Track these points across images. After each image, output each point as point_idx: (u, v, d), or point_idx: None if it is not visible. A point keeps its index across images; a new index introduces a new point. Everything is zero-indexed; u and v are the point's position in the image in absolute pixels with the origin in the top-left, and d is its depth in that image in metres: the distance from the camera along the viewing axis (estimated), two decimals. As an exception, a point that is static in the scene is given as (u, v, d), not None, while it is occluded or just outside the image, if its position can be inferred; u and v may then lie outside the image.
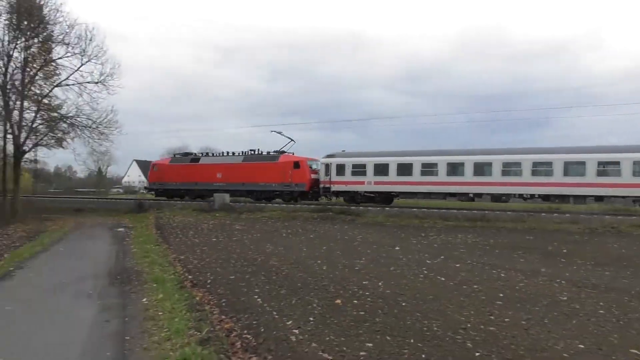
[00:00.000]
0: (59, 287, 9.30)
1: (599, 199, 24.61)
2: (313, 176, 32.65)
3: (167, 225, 22.75)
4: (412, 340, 5.80)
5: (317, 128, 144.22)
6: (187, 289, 8.66)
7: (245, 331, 6.24)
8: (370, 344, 5.67)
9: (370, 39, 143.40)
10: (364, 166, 30.99)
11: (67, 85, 28.67)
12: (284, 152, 35.19)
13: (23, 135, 27.91)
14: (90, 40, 27.56)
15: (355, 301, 7.71)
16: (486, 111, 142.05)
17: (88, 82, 28.26)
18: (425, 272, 10.40)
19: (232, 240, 16.53)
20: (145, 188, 42.63)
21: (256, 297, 8.14)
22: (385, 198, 31.23)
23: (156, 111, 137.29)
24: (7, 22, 26.68)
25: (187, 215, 27.61)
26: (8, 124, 27.60)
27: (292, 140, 36.50)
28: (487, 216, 20.96)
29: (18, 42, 27.20)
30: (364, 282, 9.18)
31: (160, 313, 7.08)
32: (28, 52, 27.57)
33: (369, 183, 30.75)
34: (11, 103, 27.58)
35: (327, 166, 32.12)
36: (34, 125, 28.45)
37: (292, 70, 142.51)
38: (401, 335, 6.01)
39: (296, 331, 6.17)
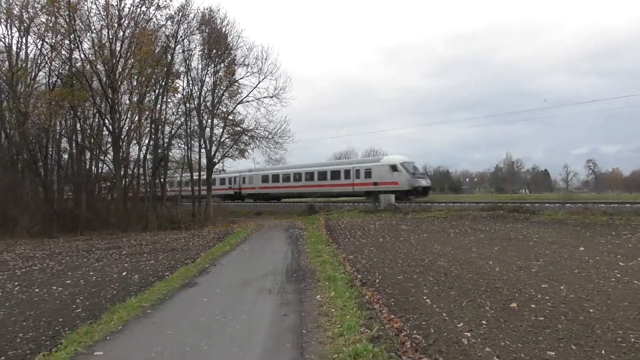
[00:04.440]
0: (244, 283, 10.28)
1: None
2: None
3: (336, 226, 23.70)
4: (602, 352, 5.17)
5: (490, 122, 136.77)
6: (357, 288, 8.91)
7: (415, 331, 6.20)
8: (552, 352, 5.20)
9: (547, 19, 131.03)
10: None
11: (247, 101, 31.90)
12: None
13: (213, 149, 31.76)
14: (266, 59, 30.35)
15: (532, 305, 7.13)
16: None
17: (264, 97, 31.04)
18: (618, 275, 9.18)
19: (399, 240, 16.55)
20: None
21: (425, 297, 8.02)
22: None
23: (324, 117, 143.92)
24: (200, 52, 30.76)
25: (354, 217, 28.43)
26: (202, 140, 31.71)
27: None
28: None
29: (209, 68, 31.17)
30: (542, 285, 8.44)
31: (332, 310, 7.40)
32: (216, 76, 31.32)
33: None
34: (204, 121, 31.61)
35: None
36: (222, 139, 32.20)
37: (459, 63, 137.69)
38: (589, 345, 5.39)
39: (468, 334, 5.93)
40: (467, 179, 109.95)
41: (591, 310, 6.73)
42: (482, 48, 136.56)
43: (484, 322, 6.43)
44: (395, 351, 5.37)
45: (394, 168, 34.63)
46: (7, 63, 27.02)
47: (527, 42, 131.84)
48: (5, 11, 25.82)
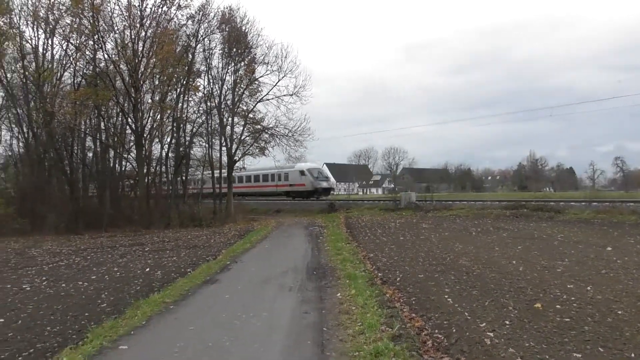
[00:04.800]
0: (265, 280, 10.33)
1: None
2: None
3: (356, 224, 23.66)
4: (632, 355, 5.04)
5: (512, 120, 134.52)
6: (378, 286, 8.88)
7: (436, 330, 6.15)
8: (578, 355, 5.10)
9: (569, 13, 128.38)
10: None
11: (267, 99, 32.02)
12: None
13: (234, 147, 32.00)
14: (285, 57, 30.43)
15: (558, 306, 7.00)
16: None
17: (284, 95, 31.13)
18: (648, 276, 8.96)
19: (420, 238, 16.44)
20: None
21: (446, 296, 7.95)
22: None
23: (343, 115, 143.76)
24: (220, 51, 31.03)
25: (374, 215, 28.35)
26: (222, 138, 31.99)
27: None
28: None
29: (229, 67, 31.42)
30: (568, 286, 8.28)
31: (353, 308, 7.38)
32: (236, 74, 31.56)
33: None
34: (224, 120, 31.88)
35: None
36: (242, 138, 32.39)
37: (479, 60, 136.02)
38: (618, 347, 5.26)
39: (491, 334, 5.86)
40: (489, 177, 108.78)
41: (619, 312, 6.57)
42: (502, 44, 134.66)
43: (507, 322, 6.34)
44: (417, 350, 5.34)
45: (302, 173, 42.03)
46: (34, 64, 27.58)
47: (548, 37, 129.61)
48: (32, 13, 26.36)
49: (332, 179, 53.11)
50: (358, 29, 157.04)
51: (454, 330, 6.09)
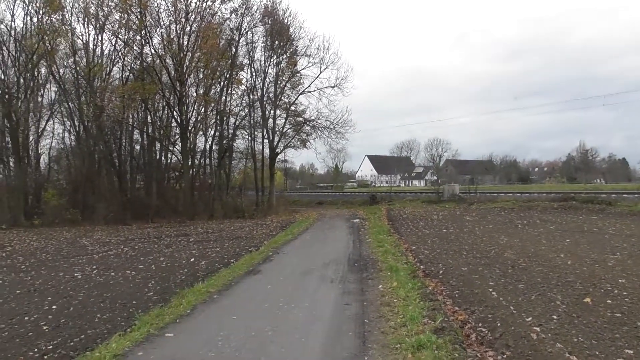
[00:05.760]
0: (307, 271, 10.40)
1: None
2: None
3: (398, 216, 23.48)
4: (688, 352, 4.81)
5: (563, 109, 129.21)
6: (420, 279, 8.79)
7: (480, 324, 6.03)
8: (630, 351, 4.89)
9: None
10: None
11: (309, 92, 32.18)
12: None
13: (276, 139, 32.33)
14: (327, 49, 30.53)
15: (609, 301, 6.74)
16: None
17: (326, 87, 31.22)
18: None
19: (463, 231, 16.16)
20: None
21: (491, 290, 7.78)
22: None
23: (386, 106, 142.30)
24: (263, 44, 31.37)
25: (416, 207, 28.06)
26: (265, 130, 32.37)
27: None
28: None
29: (271, 60, 31.75)
30: (619, 280, 7.96)
31: (395, 300, 7.33)
32: (279, 67, 31.83)
33: None
34: (267, 112, 32.23)
35: None
36: (284, 130, 32.70)
37: (531, 46, 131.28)
38: (673, 345, 5.03)
39: (537, 329, 5.69)
40: (536, 169, 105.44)
41: (675, 308, 6.27)
42: (555, 29, 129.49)
43: (554, 316, 6.15)
44: (460, 344, 5.25)
45: None
46: (84, 60, 28.59)
47: (604, 22, 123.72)
48: (83, 10, 27.31)
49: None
50: (402, 16, 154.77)
51: (499, 324, 5.95)
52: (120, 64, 29.38)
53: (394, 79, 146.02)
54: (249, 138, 33.51)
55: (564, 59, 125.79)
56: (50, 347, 5.69)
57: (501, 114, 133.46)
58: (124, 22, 26.93)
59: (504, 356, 4.96)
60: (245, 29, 30.28)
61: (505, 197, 28.15)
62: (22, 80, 26.45)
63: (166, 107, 30.21)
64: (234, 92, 32.24)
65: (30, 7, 26.38)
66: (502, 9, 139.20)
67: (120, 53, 28.57)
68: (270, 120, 32.52)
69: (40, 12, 26.39)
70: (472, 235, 14.94)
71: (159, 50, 27.42)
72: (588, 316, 6.09)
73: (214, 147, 32.13)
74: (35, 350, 5.58)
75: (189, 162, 29.13)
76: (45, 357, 5.37)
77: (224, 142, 32.16)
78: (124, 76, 29.63)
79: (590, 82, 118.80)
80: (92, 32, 28.50)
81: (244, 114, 32.68)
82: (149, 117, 30.72)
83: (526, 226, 16.72)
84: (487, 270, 9.41)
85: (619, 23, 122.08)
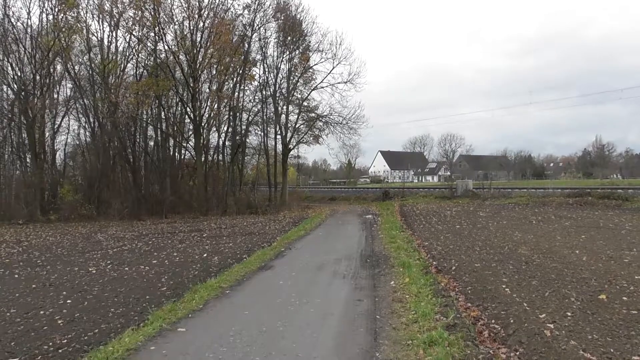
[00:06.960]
0: (319, 267, 10.41)
1: None
2: None
3: (410, 212, 23.39)
4: None
5: (579, 103, 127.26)
6: (432, 275, 8.74)
7: (493, 321, 5.98)
8: (646, 349, 4.82)
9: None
10: None
11: (322, 87, 32.20)
12: None
13: (288, 135, 32.37)
14: (340, 44, 30.46)
15: (624, 298, 6.63)
16: None
17: (338, 83, 31.22)
18: None
19: (476, 227, 16.04)
20: None
21: (504, 286, 7.70)
22: None
23: (400, 101, 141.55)
24: (275, 40, 31.42)
25: (429, 203, 27.93)
26: (277, 126, 32.44)
27: None
28: None
29: (284, 55, 31.79)
30: (636, 277, 7.83)
31: (407, 296, 7.31)
32: (291, 63, 31.86)
33: None
34: (279, 108, 32.29)
35: None
36: (297, 126, 32.74)
37: (547, 41, 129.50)
38: (690, 343, 4.93)
39: (551, 326, 5.62)
40: (552, 164, 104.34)
41: (693, 306, 6.15)
42: (572, 23, 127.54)
43: (569, 313, 6.07)
44: (472, 340, 5.21)
45: None
46: (99, 56, 28.88)
47: (620, 15, 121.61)
48: (97, 7, 27.56)
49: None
50: (416, 10, 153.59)
51: (512, 321, 5.89)
52: (134, 60, 29.76)
53: (409, 74, 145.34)
54: (262, 134, 33.66)
55: (580, 53, 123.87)
56: (65, 340, 5.76)
57: (516, 109, 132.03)
58: (137, 18, 27.11)
59: (517, 353, 4.91)
60: (257, 25, 30.40)
61: (520, 192, 27.90)
62: (38, 77, 26.83)
63: (179, 103, 30.45)
64: (246, 88, 32.42)
65: (46, 5, 26.75)
66: (518, 3, 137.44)
67: (134, 50, 28.89)
68: (283, 116, 32.64)
69: (56, 9, 26.75)
70: (485, 231, 14.83)
71: (173, 47, 27.61)
72: (603, 313, 6.00)
73: (227, 143, 32.34)
74: (50, 344, 5.65)
75: (202, 158, 29.29)
76: (60, 350, 5.43)
77: (237, 138, 32.30)
78: (138, 73, 29.97)
79: (607, 77, 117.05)
80: (107, 29, 28.97)
81: (256, 109, 32.83)
82: (162, 113, 30.99)
83: (541, 222, 16.55)
84: (501, 267, 9.33)
85: (636, 16, 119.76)
